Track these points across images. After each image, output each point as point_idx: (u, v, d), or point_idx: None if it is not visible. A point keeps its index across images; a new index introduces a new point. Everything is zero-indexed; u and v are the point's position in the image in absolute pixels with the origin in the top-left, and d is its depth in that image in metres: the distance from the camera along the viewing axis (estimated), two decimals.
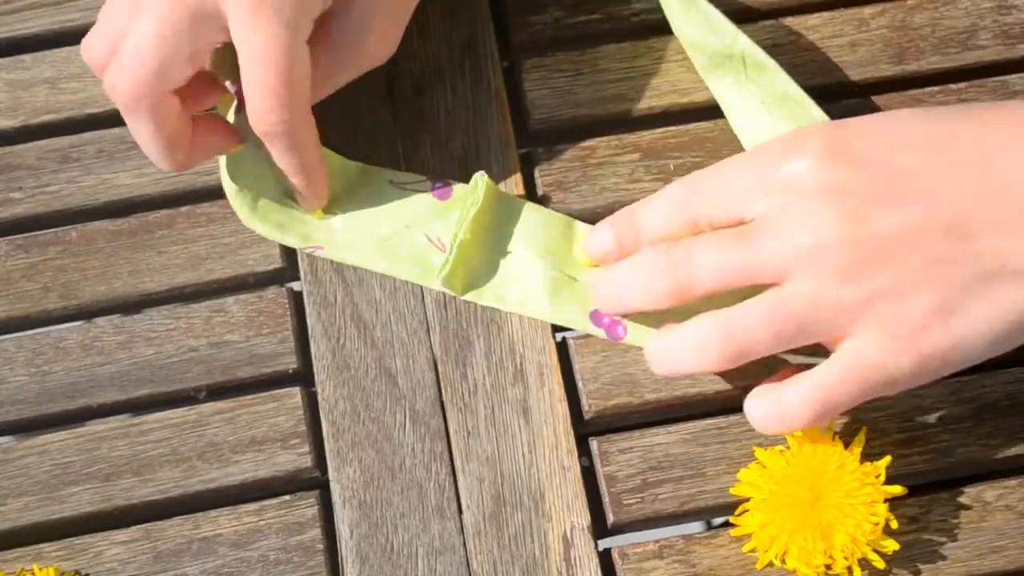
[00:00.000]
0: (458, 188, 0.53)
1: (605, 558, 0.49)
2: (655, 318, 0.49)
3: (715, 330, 0.45)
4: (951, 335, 0.43)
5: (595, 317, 0.51)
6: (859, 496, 0.45)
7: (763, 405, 0.46)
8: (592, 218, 0.51)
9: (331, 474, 0.50)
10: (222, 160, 0.52)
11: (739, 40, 0.52)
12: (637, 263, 0.48)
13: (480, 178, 0.51)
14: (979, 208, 0.43)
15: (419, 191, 0.53)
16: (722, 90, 0.54)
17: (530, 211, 0.52)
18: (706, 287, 0.45)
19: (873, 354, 0.44)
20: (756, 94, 0.53)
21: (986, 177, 0.43)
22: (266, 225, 0.52)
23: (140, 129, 0.47)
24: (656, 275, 0.46)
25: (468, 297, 0.51)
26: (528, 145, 0.55)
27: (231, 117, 0.52)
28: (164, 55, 0.45)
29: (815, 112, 0.51)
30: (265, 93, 0.45)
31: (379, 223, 0.52)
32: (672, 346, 0.46)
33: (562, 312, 0.51)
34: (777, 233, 0.44)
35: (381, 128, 0.54)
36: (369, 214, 0.52)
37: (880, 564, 0.46)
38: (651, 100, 0.55)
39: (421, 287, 0.52)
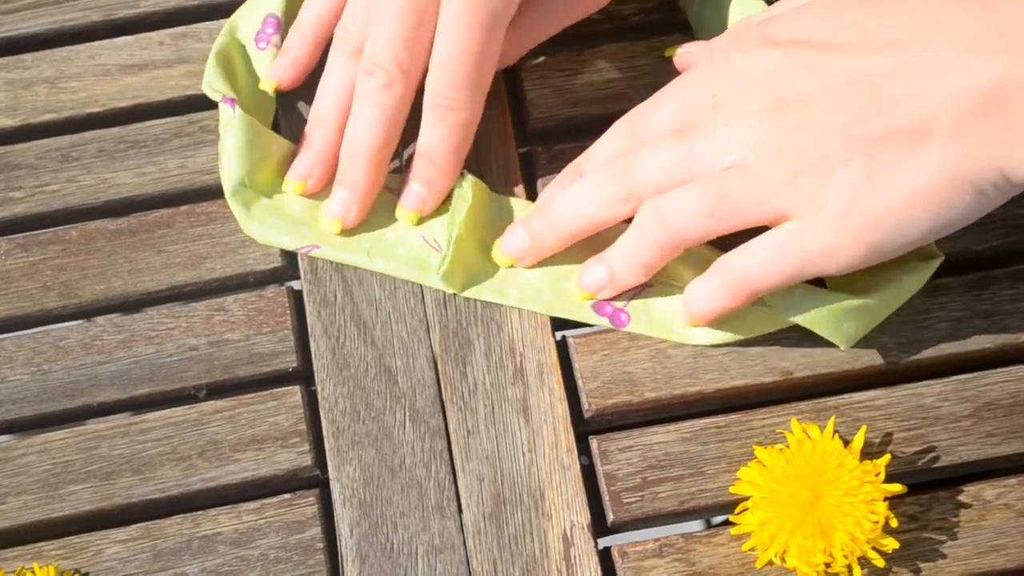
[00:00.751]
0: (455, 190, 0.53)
1: (605, 557, 0.49)
2: (658, 305, 0.50)
3: (648, 217, 0.47)
4: (880, 205, 0.43)
5: (598, 307, 0.51)
6: (859, 494, 0.45)
7: (697, 288, 0.48)
8: None
9: (331, 473, 0.50)
10: (221, 162, 0.52)
11: None
12: (589, 177, 0.49)
13: (465, 178, 0.51)
14: (902, 78, 0.43)
15: None
16: None
17: (520, 208, 0.52)
18: (654, 185, 0.47)
19: (806, 231, 0.45)
20: None
21: (911, 46, 0.43)
22: (262, 228, 0.52)
23: (390, 105, 0.50)
24: (606, 183, 0.48)
25: (468, 294, 0.51)
26: (528, 145, 0.55)
27: (223, 125, 0.52)
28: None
29: None
30: (452, 71, 0.49)
31: (376, 225, 0.53)
32: (617, 248, 0.48)
33: (564, 305, 0.51)
34: (713, 124, 0.45)
35: None
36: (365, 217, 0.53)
37: (880, 562, 0.46)
38: None
39: (421, 287, 0.52)
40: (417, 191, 0.52)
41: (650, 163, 0.47)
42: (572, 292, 0.51)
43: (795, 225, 0.45)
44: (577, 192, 0.49)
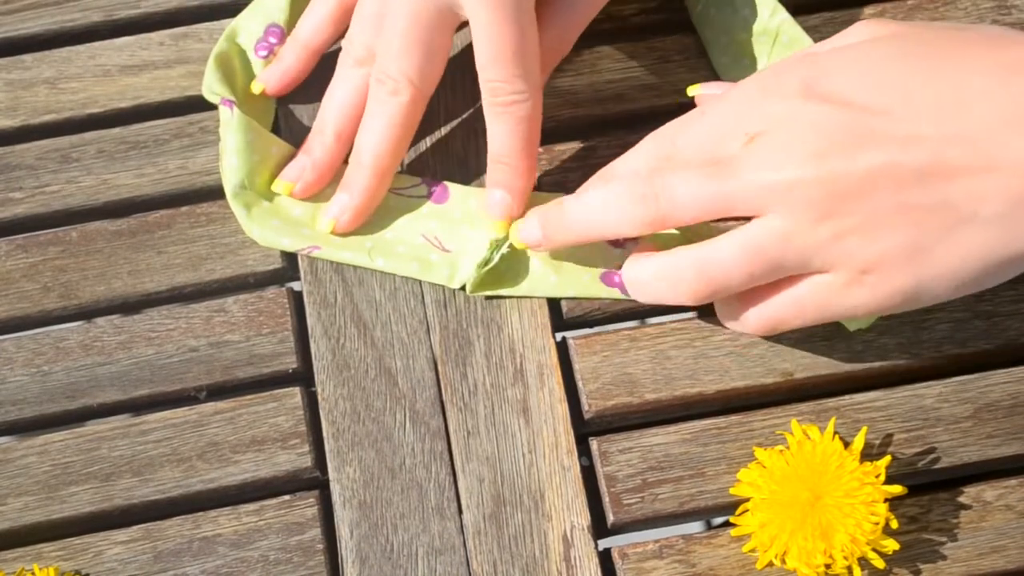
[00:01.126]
0: (453, 189, 0.53)
1: (605, 558, 0.49)
2: None
3: (688, 264, 0.46)
4: (917, 277, 0.43)
5: (606, 278, 0.51)
6: (859, 496, 0.45)
7: (724, 315, 0.48)
8: None
9: (331, 474, 0.50)
10: (221, 164, 0.52)
11: (778, 15, 0.53)
12: (615, 187, 0.47)
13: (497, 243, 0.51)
14: (953, 152, 0.43)
15: (416, 196, 0.53)
16: (734, 74, 0.54)
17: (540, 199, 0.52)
18: (683, 217, 0.46)
19: (834, 285, 0.44)
20: None
21: (962, 120, 0.43)
22: (262, 230, 0.52)
23: (397, 112, 0.51)
24: (633, 201, 0.46)
25: (478, 290, 0.51)
26: None
27: (222, 127, 0.52)
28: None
29: None
30: (498, 69, 0.49)
31: (376, 225, 0.53)
32: (646, 274, 0.47)
33: (572, 282, 0.51)
34: (754, 167, 0.44)
35: None
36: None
37: (880, 564, 0.46)
38: (651, 100, 0.55)
39: (421, 287, 0.52)
40: (500, 198, 0.51)
41: (680, 190, 0.46)
42: (577, 269, 0.51)
43: (830, 281, 0.45)
44: (599, 200, 0.48)
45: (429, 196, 0.53)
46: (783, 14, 0.53)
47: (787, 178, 0.44)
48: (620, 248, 0.52)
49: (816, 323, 0.46)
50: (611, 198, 0.47)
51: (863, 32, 0.47)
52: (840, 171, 0.43)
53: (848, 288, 0.44)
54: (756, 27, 0.54)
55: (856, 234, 0.43)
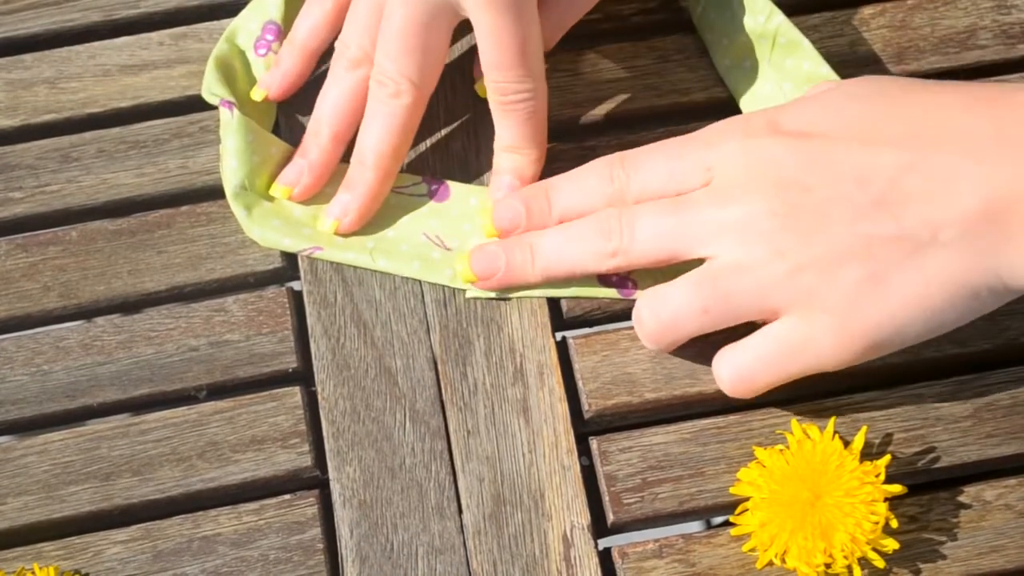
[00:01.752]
0: (454, 187, 0.53)
1: (605, 557, 0.49)
2: (664, 272, 0.49)
3: (644, 305, 0.47)
4: (881, 308, 0.43)
5: (604, 279, 0.51)
6: (859, 495, 0.45)
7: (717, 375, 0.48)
8: None
9: (331, 473, 0.50)
10: (222, 165, 0.52)
11: (774, 18, 0.53)
12: (577, 227, 0.48)
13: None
14: (910, 179, 0.43)
15: (417, 195, 0.53)
16: (735, 76, 0.55)
17: None
18: (642, 254, 0.46)
19: (800, 330, 0.44)
20: (775, 79, 0.53)
21: (919, 148, 0.43)
22: (263, 230, 0.52)
23: (400, 113, 0.51)
24: (595, 236, 0.47)
25: (482, 295, 0.51)
26: None
27: (222, 128, 0.52)
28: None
29: None
30: (505, 71, 0.49)
31: (377, 225, 0.53)
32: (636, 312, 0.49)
33: (566, 284, 0.51)
34: (710, 204, 0.45)
35: None
36: None
37: (880, 563, 0.46)
38: (651, 100, 0.55)
39: (421, 287, 0.52)
40: (509, 183, 0.52)
41: (642, 224, 0.46)
42: None
43: (792, 322, 0.45)
44: (562, 240, 0.49)
45: (430, 195, 0.53)
46: (779, 16, 0.53)
47: (742, 212, 0.44)
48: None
49: (789, 378, 0.46)
50: (575, 235, 0.48)
51: (831, 86, 0.48)
52: (795, 203, 0.43)
53: (812, 334, 0.44)
54: (754, 31, 0.54)
55: (813, 269, 0.43)
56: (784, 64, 0.53)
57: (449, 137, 0.55)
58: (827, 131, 0.44)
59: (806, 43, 0.53)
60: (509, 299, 0.52)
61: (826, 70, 0.53)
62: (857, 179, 0.43)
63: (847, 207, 0.43)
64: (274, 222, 0.52)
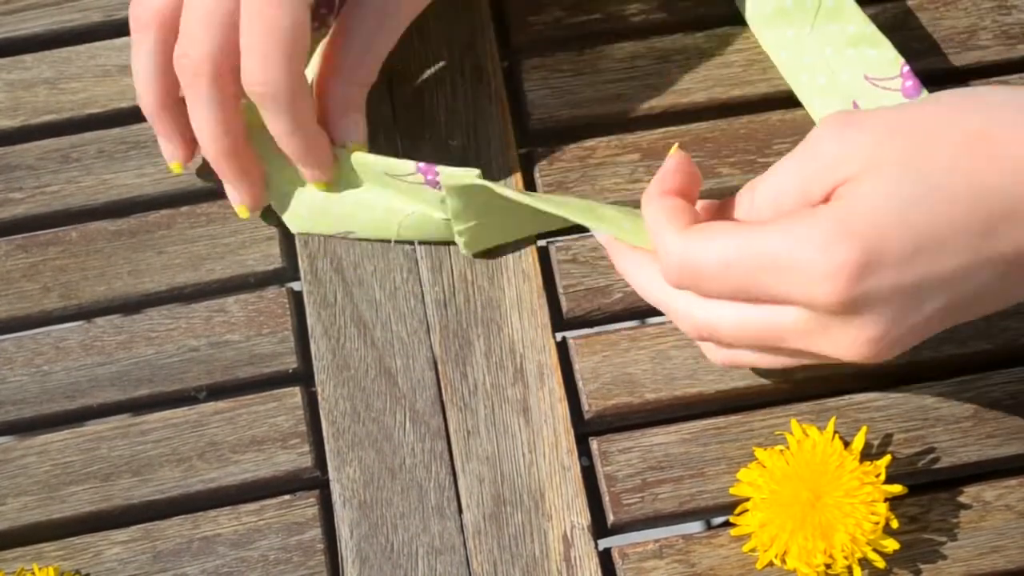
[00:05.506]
0: (443, 171, 0.52)
1: (605, 558, 0.49)
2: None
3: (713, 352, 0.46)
4: (939, 325, 0.43)
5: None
6: (859, 495, 0.45)
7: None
8: None
9: (331, 474, 0.50)
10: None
11: None
12: (673, 302, 0.45)
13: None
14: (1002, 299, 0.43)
15: (416, 183, 0.53)
16: (775, 43, 0.55)
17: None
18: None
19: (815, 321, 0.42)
20: (816, 49, 0.53)
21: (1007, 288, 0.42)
22: (297, 221, 0.52)
23: (203, 103, 0.48)
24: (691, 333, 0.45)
25: (479, 248, 0.51)
26: (528, 145, 0.55)
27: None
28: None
29: (890, 53, 0.52)
30: (257, 54, 0.46)
31: (399, 210, 0.52)
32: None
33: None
34: (805, 347, 0.43)
35: (381, 128, 0.54)
36: (379, 194, 0.53)
37: (880, 563, 0.46)
38: (651, 100, 0.55)
39: (421, 287, 0.52)
40: (311, 165, 0.51)
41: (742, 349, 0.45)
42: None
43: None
44: (654, 297, 0.47)
45: (428, 184, 0.53)
46: None
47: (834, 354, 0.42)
48: None
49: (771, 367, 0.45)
50: (665, 305, 0.46)
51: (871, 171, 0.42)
52: (890, 340, 0.42)
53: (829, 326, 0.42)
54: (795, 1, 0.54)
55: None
56: (827, 29, 0.53)
57: (449, 137, 0.55)
58: (918, 269, 0.41)
59: (850, 4, 0.53)
60: (509, 300, 0.52)
61: (871, 30, 0.52)
62: (950, 297, 0.42)
63: (941, 322, 0.43)
64: (303, 211, 0.52)
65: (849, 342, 0.41)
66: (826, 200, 0.42)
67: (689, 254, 0.42)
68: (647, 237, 0.44)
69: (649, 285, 0.46)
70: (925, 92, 0.52)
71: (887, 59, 0.52)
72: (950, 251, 0.40)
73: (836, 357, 0.42)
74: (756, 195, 0.44)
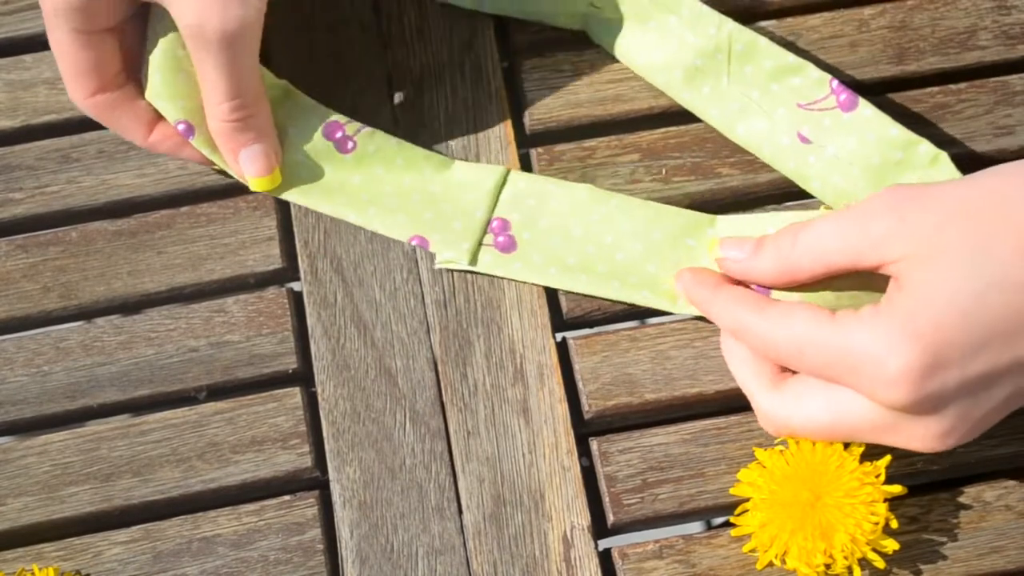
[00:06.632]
0: (439, 256, 0.53)
1: (605, 558, 0.49)
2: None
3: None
4: (1015, 405, 0.44)
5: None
6: (859, 496, 0.45)
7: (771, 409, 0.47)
8: None
9: (331, 474, 0.50)
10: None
11: (725, 26, 0.52)
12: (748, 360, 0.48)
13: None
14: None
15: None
16: (700, 104, 0.54)
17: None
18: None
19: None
20: (739, 95, 0.53)
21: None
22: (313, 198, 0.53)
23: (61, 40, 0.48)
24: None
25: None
26: (528, 145, 0.55)
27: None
28: None
29: (815, 74, 0.52)
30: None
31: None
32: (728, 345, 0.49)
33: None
34: (877, 440, 0.45)
35: (382, 127, 0.54)
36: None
37: (880, 564, 0.46)
38: (651, 100, 0.55)
39: (421, 287, 0.52)
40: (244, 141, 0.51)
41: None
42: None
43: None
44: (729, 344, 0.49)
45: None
46: (729, 24, 0.52)
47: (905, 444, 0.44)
48: None
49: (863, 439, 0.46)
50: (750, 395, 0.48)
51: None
52: (957, 435, 0.44)
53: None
54: (703, 50, 0.53)
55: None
56: (743, 72, 0.53)
57: (448, 137, 0.55)
58: (976, 366, 0.42)
59: (763, 41, 0.52)
60: (509, 300, 0.52)
61: (792, 59, 0.52)
62: (1015, 382, 0.43)
63: (1008, 407, 0.44)
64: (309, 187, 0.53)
65: (920, 437, 0.43)
66: (876, 269, 0.43)
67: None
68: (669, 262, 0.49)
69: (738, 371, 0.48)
70: (861, 100, 0.51)
71: (813, 81, 0.52)
72: (1015, 342, 0.41)
73: (911, 449, 0.44)
74: (798, 242, 0.45)
